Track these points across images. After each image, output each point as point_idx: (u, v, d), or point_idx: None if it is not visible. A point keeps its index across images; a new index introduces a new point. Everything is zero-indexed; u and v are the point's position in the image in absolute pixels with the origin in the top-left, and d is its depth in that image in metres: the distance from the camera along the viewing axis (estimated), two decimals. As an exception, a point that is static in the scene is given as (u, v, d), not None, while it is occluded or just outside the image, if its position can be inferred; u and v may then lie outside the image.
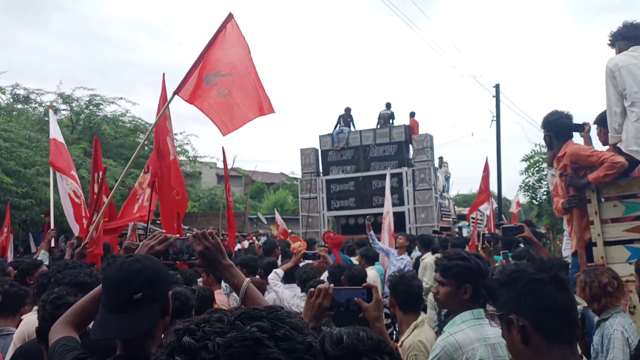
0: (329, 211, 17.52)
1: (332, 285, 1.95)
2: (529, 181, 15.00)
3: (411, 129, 17.53)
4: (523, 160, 15.53)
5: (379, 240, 8.54)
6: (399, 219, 16.03)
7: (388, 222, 9.68)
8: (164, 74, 6.06)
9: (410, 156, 17.20)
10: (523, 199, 17.97)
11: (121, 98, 19.82)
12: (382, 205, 15.19)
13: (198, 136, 32.39)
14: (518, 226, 5.29)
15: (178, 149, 21.63)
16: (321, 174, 17.88)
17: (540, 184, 14.36)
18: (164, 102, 5.76)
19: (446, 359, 2.38)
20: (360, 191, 17.10)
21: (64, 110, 19.65)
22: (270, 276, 5.04)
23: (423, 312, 3.53)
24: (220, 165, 26.24)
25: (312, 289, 1.92)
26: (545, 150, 15.79)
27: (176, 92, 5.01)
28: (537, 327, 1.39)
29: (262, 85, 5.09)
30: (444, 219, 16.93)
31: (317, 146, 18.04)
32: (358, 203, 17.07)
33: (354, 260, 7.29)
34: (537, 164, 14.73)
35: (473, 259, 2.53)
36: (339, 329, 1.38)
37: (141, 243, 2.10)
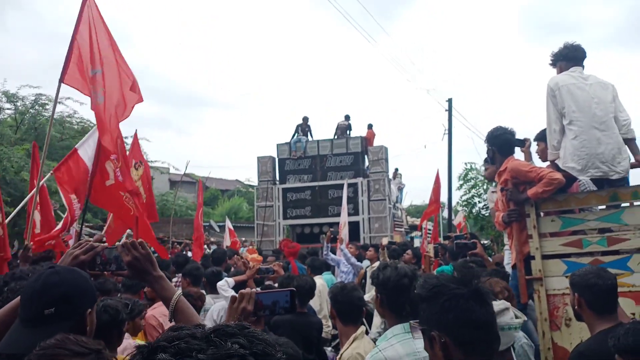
0: (284, 220, 17.44)
1: (255, 289, 1.89)
2: (466, 197, 15.46)
3: (367, 140, 17.72)
4: (458, 179, 16.03)
5: (335, 250, 8.53)
6: (354, 228, 16.09)
7: (345, 232, 9.75)
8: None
9: (366, 167, 17.32)
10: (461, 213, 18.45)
11: (69, 98, 18.72)
12: (337, 215, 15.27)
13: (150, 140, 31.49)
14: (471, 243, 5.36)
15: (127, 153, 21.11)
16: (278, 182, 17.78)
17: (477, 200, 14.78)
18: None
19: None
20: (316, 200, 17.10)
21: (8, 109, 18.73)
22: (220, 283, 4.92)
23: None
24: (173, 170, 25.73)
25: (235, 294, 1.85)
26: (477, 167, 16.35)
27: (62, 80, 4.97)
28: (458, 344, 1.37)
29: (129, 69, 5.34)
30: (396, 229, 17.09)
31: (275, 154, 17.96)
32: (314, 212, 17.07)
33: None
34: (472, 180, 15.18)
35: (386, 270, 2.50)
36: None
37: (66, 252, 1.97)
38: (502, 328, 1.78)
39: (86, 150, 6.05)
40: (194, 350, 0.75)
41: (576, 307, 2.71)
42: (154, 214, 7.65)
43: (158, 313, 4.11)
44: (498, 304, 1.84)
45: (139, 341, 3.56)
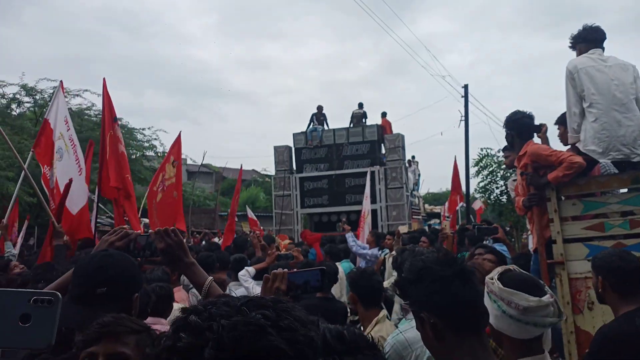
0: (302, 208, 17.42)
1: (286, 269, 1.93)
2: (483, 184, 15.24)
3: (383, 129, 17.57)
4: (473, 165, 15.78)
5: (357, 237, 8.54)
6: (372, 216, 16.03)
7: (368, 221, 9.72)
8: (104, 79, 6.39)
9: (383, 155, 17.21)
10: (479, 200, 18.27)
11: (86, 90, 19.08)
12: (355, 203, 15.25)
13: (167, 132, 31.63)
14: (493, 227, 5.32)
15: (146, 144, 21.08)
16: (295, 172, 17.75)
17: (494, 185, 14.58)
18: (108, 107, 6.19)
19: (396, 357, 2.36)
20: (333, 189, 17.03)
21: (27, 102, 18.83)
22: (241, 273, 4.96)
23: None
24: (190, 162, 25.84)
25: (267, 275, 1.89)
26: (493, 152, 16.09)
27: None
28: (447, 324, 1.40)
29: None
30: (414, 217, 17.01)
31: (291, 144, 17.92)
32: (331, 200, 17.01)
33: None
34: (487, 167, 14.96)
35: (404, 254, 2.51)
36: (334, 326, 1.37)
37: (101, 238, 2.02)
38: (527, 323, 1.66)
39: (53, 116, 6.06)
40: (221, 315, 0.80)
41: (599, 289, 2.67)
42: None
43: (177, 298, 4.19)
44: (533, 300, 1.67)
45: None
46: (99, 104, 19.74)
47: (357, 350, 1.30)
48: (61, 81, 6.82)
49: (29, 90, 18.22)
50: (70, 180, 5.40)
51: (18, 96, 18.22)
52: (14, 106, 18.42)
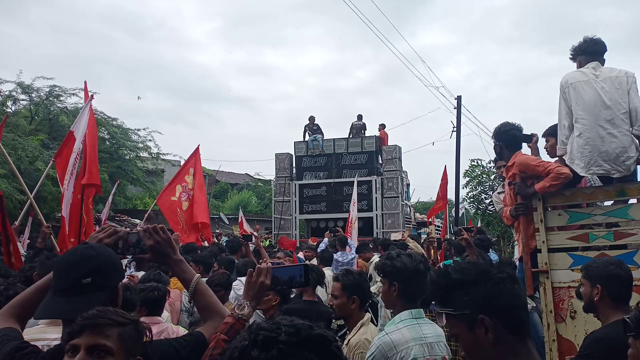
0: (300, 214, 17.51)
1: (270, 265, 1.89)
2: (473, 194, 15.22)
3: (381, 140, 17.67)
4: (464, 176, 15.76)
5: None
6: (367, 224, 16.12)
7: (355, 226, 9.72)
8: (85, 82, 6.71)
9: (380, 165, 17.26)
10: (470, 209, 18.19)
11: (82, 89, 18.84)
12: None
13: (162, 133, 31.02)
14: (457, 230, 5.25)
15: (140, 145, 20.71)
16: (295, 179, 17.79)
17: (484, 196, 14.55)
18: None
19: (381, 358, 2.31)
20: (331, 196, 17.16)
21: (23, 100, 18.58)
22: (235, 283, 4.89)
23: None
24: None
25: (251, 269, 1.85)
26: (484, 164, 16.08)
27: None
28: (507, 325, 1.36)
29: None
30: (405, 225, 17.02)
31: (292, 152, 18.01)
32: (329, 207, 17.14)
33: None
34: (478, 177, 14.94)
35: (400, 258, 2.46)
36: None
37: (90, 236, 1.99)
38: None
39: (78, 129, 6.04)
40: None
41: (595, 298, 2.60)
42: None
43: None
44: None
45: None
46: (94, 104, 19.53)
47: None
48: (92, 95, 6.75)
49: (25, 88, 17.93)
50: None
51: (14, 94, 18.00)
52: (9, 103, 18.12)
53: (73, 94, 18.47)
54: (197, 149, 8.79)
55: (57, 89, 18.15)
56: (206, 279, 4.65)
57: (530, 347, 1.39)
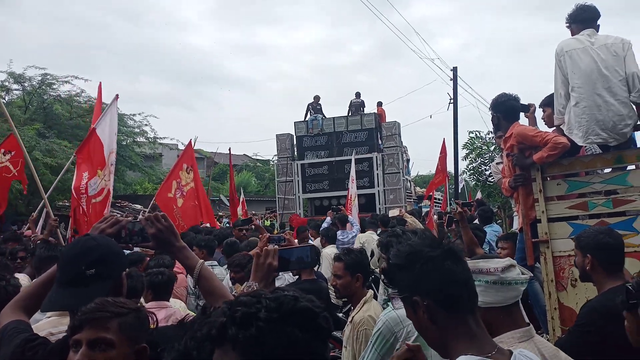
0: (304, 193, 17.50)
1: (276, 246, 1.88)
2: (472, 165, 15.09)
3: (379, 117, 17.54)
4: (463, 148, 15.62)
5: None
6: (370, 200, 16.14)
7: (356, 203, 9.70)
8: (100, 83, 6.61)
9: (380, 142, 17.19)
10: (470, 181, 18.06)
11: (75, 77, 18.21)
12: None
13: (157, 117, 30.67)
14: (469, 202, 5.20)
15: (137, 130, 20.48)
16: (296, 159, 17.76)
17: (484, 167, 14.42)
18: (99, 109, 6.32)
19: (387, 333, 2.32)
20: (333, 174, 17.10)
21: (16, 90, 18.36)
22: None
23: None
24: (181, 147, 25.27)
25: (257, 251, 1.83)
26: (482, 135, 15.96)
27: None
28: (441, 305, 1.31)
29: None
30: (406, 199, 17.02)
31: (293, 132, 17.92)
32: (331, 186, 17.08)
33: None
34: (478, 149, 14.81)
35: (406, 235, 2.45)
36: None
37: (93, 226, 1.98)
38: (510, 283, 1.76)
39: (103, 128, 6.06)
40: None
41: (587, 267, 2.57)
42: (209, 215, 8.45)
43: None
44: (503, 261, 1.80)
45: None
46: (88, 90, 18.75)
47: None
48: (117, 95, 6.69)
49: (17, 78, 17.68)
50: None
51: (6, 83, 17.77)
52: (2, 93, 17.79)
53: (66, 82, 18.19)
54: (190, 143, 8.68)
55: (49, 77, 17.86)
56: (210, 262, 4.69)
57: (471, 323, 1.31)
